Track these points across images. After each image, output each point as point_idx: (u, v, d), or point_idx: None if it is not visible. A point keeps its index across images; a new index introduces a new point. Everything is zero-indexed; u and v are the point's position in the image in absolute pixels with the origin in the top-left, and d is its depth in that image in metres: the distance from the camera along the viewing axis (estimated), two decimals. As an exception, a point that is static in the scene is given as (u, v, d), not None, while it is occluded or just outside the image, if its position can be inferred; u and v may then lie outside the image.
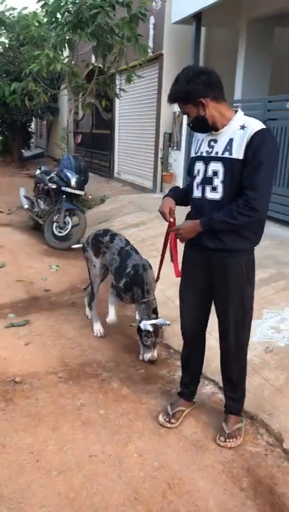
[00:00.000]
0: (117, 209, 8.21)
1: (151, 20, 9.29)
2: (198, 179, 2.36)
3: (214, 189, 2.30)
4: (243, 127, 2.23)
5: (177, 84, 2.22)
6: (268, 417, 2.67)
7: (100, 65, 8.13)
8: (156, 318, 3.31)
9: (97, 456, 2.39)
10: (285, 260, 4.76)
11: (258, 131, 2.19)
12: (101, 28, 6.95)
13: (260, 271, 4.52)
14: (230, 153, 2.24)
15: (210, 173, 2.30)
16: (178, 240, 2.52)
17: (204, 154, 2.34)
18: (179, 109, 2.38)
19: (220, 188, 2.28)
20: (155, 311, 3.35)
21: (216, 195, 2.30)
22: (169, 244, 2.60)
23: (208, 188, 2.32)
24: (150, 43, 9.43)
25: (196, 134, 2.45)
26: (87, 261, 3.87)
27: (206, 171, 2.32)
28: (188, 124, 2.38)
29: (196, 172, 2.38)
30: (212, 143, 2.32)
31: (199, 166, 2.36)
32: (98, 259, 3.75)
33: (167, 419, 2.64)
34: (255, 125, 2.22)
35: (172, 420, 2.65)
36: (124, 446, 2.47)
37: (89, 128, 14.71)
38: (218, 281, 2.42)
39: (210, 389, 2.99)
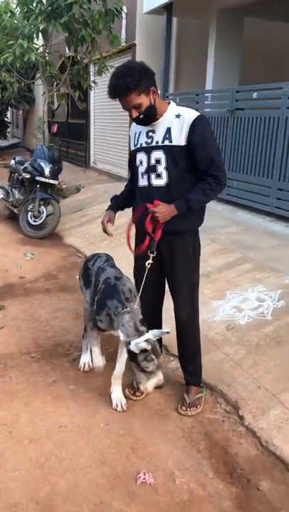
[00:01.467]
0: (92, 198, 8.35)
1: (124, 9, 9.36)
2: (142, 169, 2.54)
3: (159, 176, 2.49)
4: (178, 116, 2.42)
5: (129, 75, 2.30)
6: (226, 387, 2.89)
7: (73, 55, 8.19)
8: (147, 330, 2.41)
9: (66, 426, 2.57)
10: (250, 244, 4.98)
11: (196, 117, 2.39)
12: (75, 19, 7.02)
13: (226, 255, 4.77)
14: (171, 141, 2.43)
15: (153, 161, 2.48)
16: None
17: (144, 145, 2.51)
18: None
19: (164, 175, 2.48)
20: (143, 323, 2.45)
21: (161, 182, 2.49)
22: (127, 233, 2.74)
23: (153, 176, 2.50)
24: (123, 33, 9.52)
25: (132, 129, 2.62)
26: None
27: (149, 160, 2.50)
28: (136, 117, 2.42)
29: (138, 163, 2.55)
30: (150, 133, 2.49)
31: (141, 156, 2.53)
32: (88, 290, 2.95)
33: (132, 392, 2.84)
34: (192, 113, 2.42)
35: (137, 393, 2.84)
36: (92, 416, 2.66)
37: (65, 117, 14.71)
38: (167, 262, 2.62)
39: (174, 364, 3.19)
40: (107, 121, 11.55)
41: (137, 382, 2.57)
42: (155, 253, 2.52)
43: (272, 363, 2.99)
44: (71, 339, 3.57)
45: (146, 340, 2.31)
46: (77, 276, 3.43)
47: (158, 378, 2.38)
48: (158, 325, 2.84)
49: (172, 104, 2.50)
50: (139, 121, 2.46)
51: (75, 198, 8.84)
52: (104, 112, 11.72)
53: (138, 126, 2.55)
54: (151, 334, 2.36)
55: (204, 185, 2.45)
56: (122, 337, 2.43)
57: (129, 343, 2.35)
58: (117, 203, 2.85)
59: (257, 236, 5.34)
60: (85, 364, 3.14)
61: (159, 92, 3.22)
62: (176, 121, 2.43)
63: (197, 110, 2.52)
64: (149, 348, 2.31)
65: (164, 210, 2.42)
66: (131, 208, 2.76)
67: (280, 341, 3.19)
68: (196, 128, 2.40)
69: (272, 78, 6.81)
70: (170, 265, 2.63)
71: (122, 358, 2.73)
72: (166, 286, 2.78)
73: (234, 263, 4.52)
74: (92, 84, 8.90)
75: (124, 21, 9.54)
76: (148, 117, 2.43)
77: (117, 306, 2.49)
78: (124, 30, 9.61)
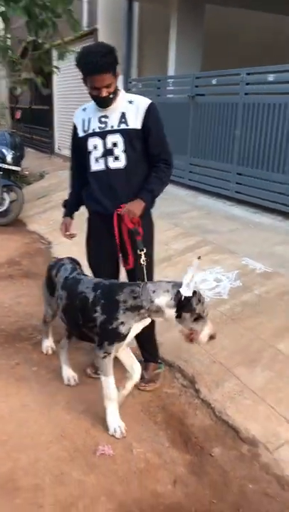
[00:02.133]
0: (56, 184, 8.33)
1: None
2: (97, 153, 2.59)
3: (117, 158, 2.56)
4: (130, 102, 2.55)
5: (110, 55, 2.39)
6: (184, 363, 3.02)
7: (35, 38, 8.08)
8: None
9: (28, 405, 2.64)
10: (210, 228, 5.12)
11: (150, 104, 2.54)
12: (34, 2, 6.90)
13: (187, 239, 4.90)
14: (127, 125, 2.53)
15: (110, 145, 2.55)
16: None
17: (98, 130, 2.57)
18: None
19: (122, 157, 2.55)
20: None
21: (120, 164, 2.57)
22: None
23: (110, 159, 2.57)
24: (84, 18, 9.44)
25: (78, 116, 2.67)
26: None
27: (105, 144, 2.56)
28: (105, 97, 2.47)
29: (91, 148, 2.60)
30: (103, 119, 2.56)
31: (95, 141, 2.58)
32: (52, 298, 2.83)
33: (94, 371, 2.93)
34: (144, 99, 2.57)
35: (98, 371, 2.93)
36: (54, 396, 2.74)
37: (28, 104, 14.50)
38: (124, 245, 2.69)
39: (134, 343, 3.29)
40: (72, 107, 11.43)
41: (193, 331, 2.32)
42: (144, 250, 2.55)
43: (227, 339, 3.13)
44: (34, 323, 3.62)
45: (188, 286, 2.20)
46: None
47: (210, 327, 2.34)
48: None
49: (122, 90, 2.59)
50: (105, 101, 2.51)
51: (39, 184, 8.81)
52: (69, 98, 11.63)
53: (86, 113, 2.63)
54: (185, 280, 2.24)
55: (159, 174, 2.60)
56: (165, 299, 2.25)
57: (177, 292, 2.22)
58: (71, 207, 2.92)
59: (217, 220, 5.49)
60: (48, 348, 3.18)
61: (121, 77, 3.28)
62: (130, 107, 2.54)
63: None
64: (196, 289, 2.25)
65: (135, 206, 2.52)
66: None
67: (235, 319, 3.33)
68: (151, 114, 2.54)
69: (234, 65, 6.92)
70: (127, 248, 2.72)
71: (129, 383, 2.58)
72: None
73: (194, 246, 4.65)
74: (55, 70, 8.81)
75: (85, 6, 9.47)
76: (112, 99, 2.51)
77: (131, 290, 2.31)
78: (85, 15, 9.54)
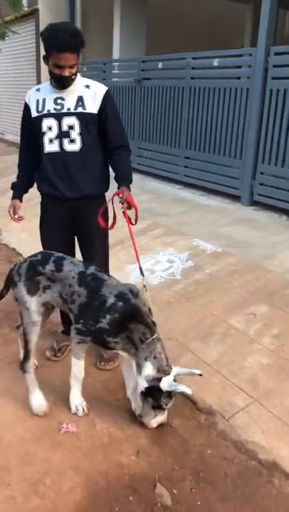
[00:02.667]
0: (1, 169, 8.13)
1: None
2: (51, 134, 2.58)
3: (72, 141, 2.58)
4: (87, 86, 2.57)
5: (80, 35, 2.38)
6: (141, 342, 3.10)
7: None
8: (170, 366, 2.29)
9: (-13, 390, 2.65)
10: (160, 211, 5.22)
11: (107, 91, 2.59)
12: None
13: (139, 222, 4.92)
14: (84, 108, 2.55)
15: (65, 127, 2.56)
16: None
17: (53, 111, 2.56)
18: None
19: (78, 140, 2.58)
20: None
21: (75, 147, 2.59)
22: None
23: (66, 141, 2.58)
24: (25, -3, 9.17)
25: (32, 96, 2.63)
26: (17, 302, 2.48)
27: (60, 126, 2.56)
28: (67, 77, 2.47)
29: (45, 128, 2.58)
30: (59, 100, 2.56)
31: (50, 122, 2.57)
32: (33, 298, 2.41)
33: (53, 354, 2.97)
34: (101, 85, 2.61)
35: (58, 354, 2.97)
36: (14, 379, 2.74)
37: None
38: (80, 226, 2.75)
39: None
40: (14, 89, 11.15)
41: (139, 416, 2.38)
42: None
43: (181, 317, 3.25)
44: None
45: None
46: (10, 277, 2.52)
47: (164, 416, 2.35)
48: None
49: (78, 75, 2.58)
50: (65, 82, 2.49)
51: (-17, 170, 8.54)
52: (10, 80, 11.30)
53: (40, 93, 2.61)
54: (177, 370, 2.26)
55: (124, 160, 2.69)
56: (149, 371, 2.23)
57: (159, 379, 2.19)
58: (20, 189, 2.87)
59: (167, 203, 5.59)
60: (37, 408, 2.48)
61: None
62: (88, 91, 2.56)
63: (105, 80, 2.67)
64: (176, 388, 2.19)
65: (126, 196, 2.55)
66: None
67: (189, 297, 3.46)
68: (108, 101, 2.59)
69: (180, 49, 6.99)
70: (85, 229, 2.76)
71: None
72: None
73: (146, 229, 4.73)
74: (-4, 50, 8.55)
75: (26, -15, 9.19)
76: (72, 81, 2.51)
77: (144, 333, 2.24)
78: (26, -6, 9.26)
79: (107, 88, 2.62)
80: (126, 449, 2.28)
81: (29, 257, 2.50)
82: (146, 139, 6.77)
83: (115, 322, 2.22)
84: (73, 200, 2.66)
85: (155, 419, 2.35)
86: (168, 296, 3.51)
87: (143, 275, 2.63)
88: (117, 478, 2.12)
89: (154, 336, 2.25)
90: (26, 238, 5.04)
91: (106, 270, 2.87)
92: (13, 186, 2.89)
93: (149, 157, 6.71)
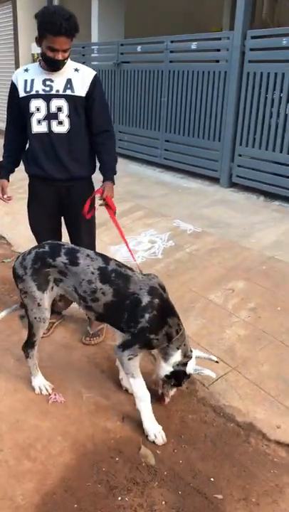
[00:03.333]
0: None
1: None
2: (39, 115, 2.65)
3: (60, 123, 2.66)
4: (76, 70, 2.64)
5: (70, 19, 2.42)
6: (124, 318, 3.23)
7: None
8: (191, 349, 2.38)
9: (-22, 365, 2.75)
10: (142, 194, 5.32)
11: (95, 75, 2.67)
12: None
13: (121, 204, 5.05)
14: (73, 91, 2.63)
15: (54, 109, 2.63)
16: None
17: (41, 92, 2.62)
18: (37, 51, 2.58)
19: (66, 122, 2.66)
20: None
21: (63, 129, 2.67)
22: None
23: (54, 123, 2.65)
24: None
25: (19, 76, 2.68)
26: (22, 296, 2.39)
27: (48, 107, 2.63)
28: (60, 61, 2.52)
29: (33, 109, 2.64)
30: (48, 82, 2.62)
31: (38, 103, 2.63)
32: (45, 294, 2.33)
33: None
34: (90, 70, 2.68)
35: (46, 332, 3.07)
36: (3, 355, 2.85)
37: None
38: (67, 209, 2.86)
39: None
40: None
41: (165, 392, 2.46)
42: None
43: (163, 293, 3.38)
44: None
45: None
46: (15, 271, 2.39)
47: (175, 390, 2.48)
48: None
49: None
50: (57, 64, 2.55)
51: None
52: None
53: (28, 74, 2.66)
54: (197, 354, 2.37)
55: (109, 150, 2.78)
56: (178, 358, 2.29)
57: (184, 364, 2.30)
58: (7, 170, 2.90)
59: (148, 186, 5.69)
60: (40, 388, 2.56)
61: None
62: (76, 75, 2.63)
63: (84, 63, 2.72)
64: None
65: (111, 189, 2.68)
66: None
67: (170, 275, 3.59)
68: (96, 85, 2.67)
69: (158, 32, 7.02)
70: (73, 212, 2.85)
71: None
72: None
73: (128, 211, 4.84)
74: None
75: None
76: (64, 64, 2.57)
77: (178, 324, 2.28)
78: (3, -24, 9.14)
79: (95, 72, 2.69)
80: (111, 415, 2.41)
81: (34, 248, 2.39)
82: (126, 123, 6.83)
83: (156, 320, 2.19)
84: (61, 181, 2.76)
85: (171, 394, 2.48)
86: (150, 275, 3.62)
87: (135, 260, 2.72)
88: (103, 441, 2.25)
89: (183, 326, 2.31)
90: (9, 222, 5.09)
91: (93, 249, 2.98)
92: (0, 166, 2.93)
93: (129, 141, 6.77)
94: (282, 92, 4.59)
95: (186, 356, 2.32)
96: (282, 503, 1.97)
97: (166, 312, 2.24)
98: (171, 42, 5.87)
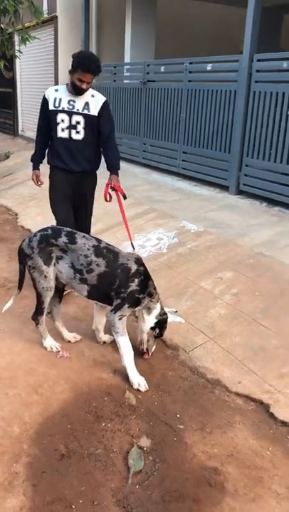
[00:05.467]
0: (21, 163, 8.94)
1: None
2: (63, 125, 3.56)
3: (78, 132, 3.58)
4: (93, 96, 3.54)
5: (99, 63, 3.43)
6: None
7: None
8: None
9: (3, 330, 3.39)
10: (157, 199, 5.92)
11: (105, 100, 3.58)
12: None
13: (137, 207, 5.68)
14: (89, 111, 3.53)
15: (74, 122, 3.55)
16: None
17: (66, 109, 3.51)
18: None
19: (82, 132, 3.58)
20: None
21: (79, 136, 3.60)
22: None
23: (73, 132, 3.58)
24: (44, 5, 9.94)
25: (51, 93, 3.58)
26: (31, 271, 2.98)
27: (70, 120, 3.53)
28: (84, 89, 3.45)
29: (59, 120, 3.55)
30: (72, 102, 3.54)
31: (63, 116, 3.54)
32: (50, 267, 2.94)
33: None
34: (102, 96, 3.61)
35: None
36: (24, 323, 3.48)
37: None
38: (79, 193, 3.75)
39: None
40: (34, 89, 11.95)
41: (148, 347, 3.06)
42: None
43: (162, 280, 3.94)
44: (6, 275, 4.34)
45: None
46: (22, 250, 3.02)
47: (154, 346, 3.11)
48: None
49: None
50: (81, 91, 3.45)
51: (4, 164, 9.37)
52: (31, 81, 12.11)
53: (58, 93, 3.56)
54: (167, 310, 3.07)
55: (112, 150, 3.66)
56: (158, 310, 2.96)
57: (164, 314, 2.99)
58: (38, 162, 3.91)
59: (165, 192, 6.28)
60: (51, 346, 3.15)
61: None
62: (92, 99, 3.56)
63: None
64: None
65: (117, 181, 3.56)
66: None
67: (170, 266, 4.15)
68: (105, 108, 3.61)
69: (187, 53, 7.65)
70: (84, 195, 3.79)
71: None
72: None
73: (143, 213, 5.44)
74: (17, 54, 9.32)
75: (45, -7, 9.95)
76: (85, 91, 3.47)
77: (153, 285, 2.97)
78: (45, 2, 10.03)
79: (105, 98, 3.64)
80: (106, 369, 2.99)
81: (38, 231, 3.00)
82: (150, 136, 7.47)
83: (143, 282, 2.87)
84: (76, 173, 3.66)
85: (152, 349, 3.10)
86: (154, 266, 4.20)
87: (134, 248, 3.48)
88: (97, 386, 2.83)
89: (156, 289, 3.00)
90: (41, 221, 5.79)
91: (89, 231, 3.83)
92: (33, 159, 3.88)
93: (152, 152, 7.40)
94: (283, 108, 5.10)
95: (162, 308, 3.00)
96: (230, 433, 2.49)
97: (147, 276, 2.94)
98: (190, 63, 6.48)
